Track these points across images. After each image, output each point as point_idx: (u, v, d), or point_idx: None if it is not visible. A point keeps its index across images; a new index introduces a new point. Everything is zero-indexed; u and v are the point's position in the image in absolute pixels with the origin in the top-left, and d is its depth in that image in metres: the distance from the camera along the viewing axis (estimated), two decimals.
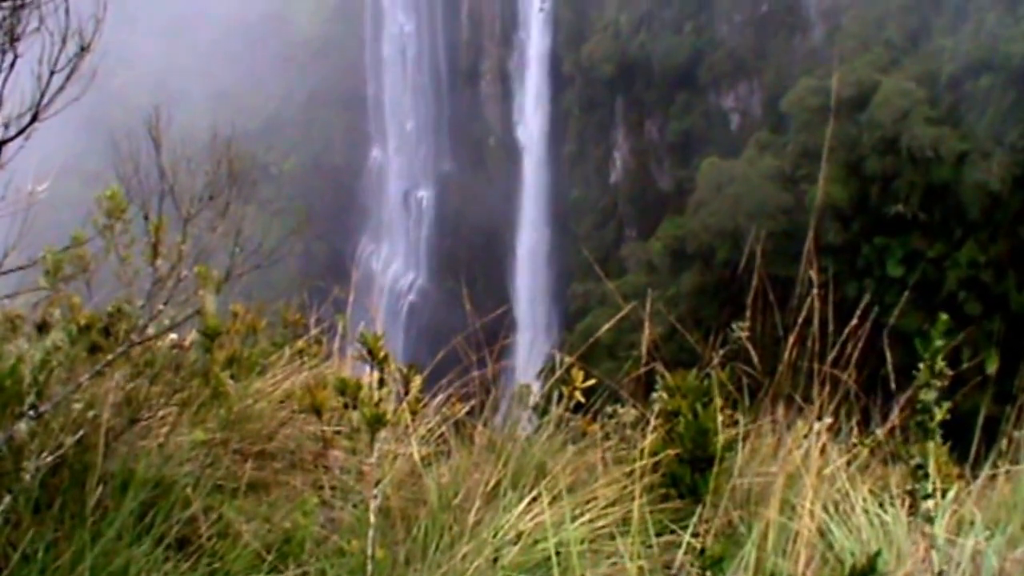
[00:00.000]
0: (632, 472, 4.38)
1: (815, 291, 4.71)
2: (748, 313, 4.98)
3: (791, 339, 4.70)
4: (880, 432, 4.80)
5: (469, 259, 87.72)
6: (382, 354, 4.27)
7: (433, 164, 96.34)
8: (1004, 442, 4.73)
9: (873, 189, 60.19)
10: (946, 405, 3.99)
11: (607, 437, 4.93)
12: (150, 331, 4.28)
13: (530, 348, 65.30)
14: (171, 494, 4.12)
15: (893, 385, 4.65)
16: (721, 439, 4.46)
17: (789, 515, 4.05)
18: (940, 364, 3.96)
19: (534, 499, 4.23)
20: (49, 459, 3.90)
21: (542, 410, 4.99)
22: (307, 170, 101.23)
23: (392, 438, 4.48)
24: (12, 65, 3.33)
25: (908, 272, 57.78)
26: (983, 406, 4.76)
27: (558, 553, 3.94)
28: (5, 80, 3.31)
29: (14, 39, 3.18)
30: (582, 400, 4.94)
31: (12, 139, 3.48)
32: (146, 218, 4.10)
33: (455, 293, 79.34)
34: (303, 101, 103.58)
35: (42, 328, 4.91)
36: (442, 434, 5.00)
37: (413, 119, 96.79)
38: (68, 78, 3.39)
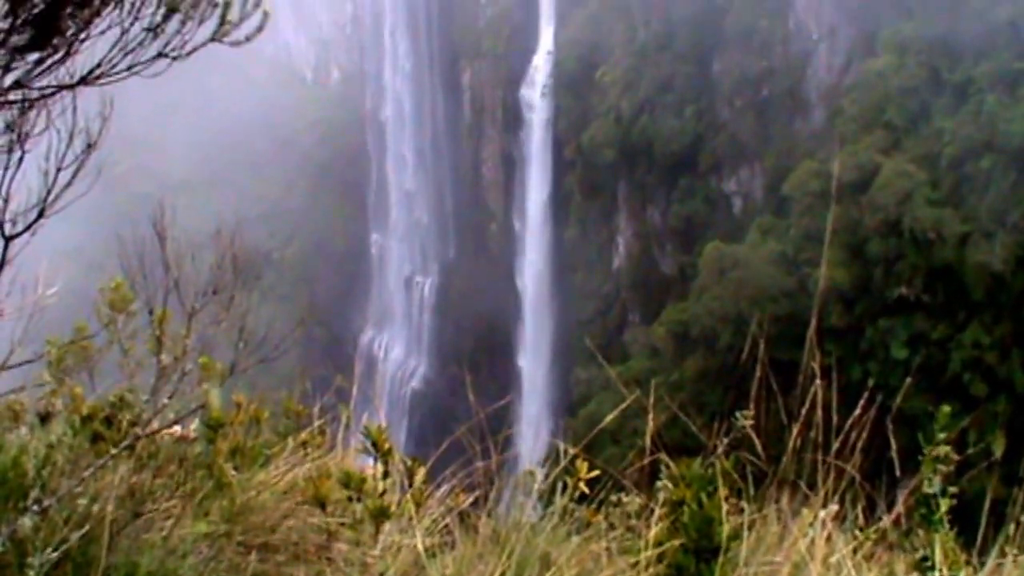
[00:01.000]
0: (637, 563, 4.35)
1: (818, 381, 4.70)
2: (752, 400, 4.98)
3: (796, 428, 4.69)
4: (886, 519, 4.77)
5: (471, 345, 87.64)
6: (386, 447, 4.27)
7: (435, 250, 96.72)
8: (1012, 527, 4.70)
9: (876, 271, 60.26)
10: (951, 491, 3.97)
11: (612, 527, 4.90)
12: (154, 425, 4.29)
13: (535, 435, 65.06)
14: None
15: (898, 472, 4.63)
16: (726, 528, 4.43)
17: None
18: (945, 450, 3.95)
19: None
20: (54, 555, 3.87)
21: (547, 500, 4.97)
22: (309, 255, 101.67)
23: (396, 529, 4.46)
24: (20, 162, 3.38)
25: (912, 354, 57.62)
26: (990, 489, 4.73)
27: None
28: (12, 177, 3.36)
29: (22, 139, 3.23)
30: (586, 491, 4.92)
31: (19, 235, 3.51)
32: (151, 313, 4.13)
33: (458, 380, 79.25)
34: (305, 187, 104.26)
35: (44, 419, 4.91)
36: (446, 525, 4.98)
37: (415, 204, 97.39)
38: (75, 175, 3.43)
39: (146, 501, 4.42)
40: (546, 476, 5.20)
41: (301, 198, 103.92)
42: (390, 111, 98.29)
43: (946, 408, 3.88)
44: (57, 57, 2.94)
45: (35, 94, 2.95)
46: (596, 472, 4.94)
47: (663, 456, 4.88)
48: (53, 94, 3.04)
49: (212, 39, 3.16)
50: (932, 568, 3.85)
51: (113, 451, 4.28)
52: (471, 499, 5.21)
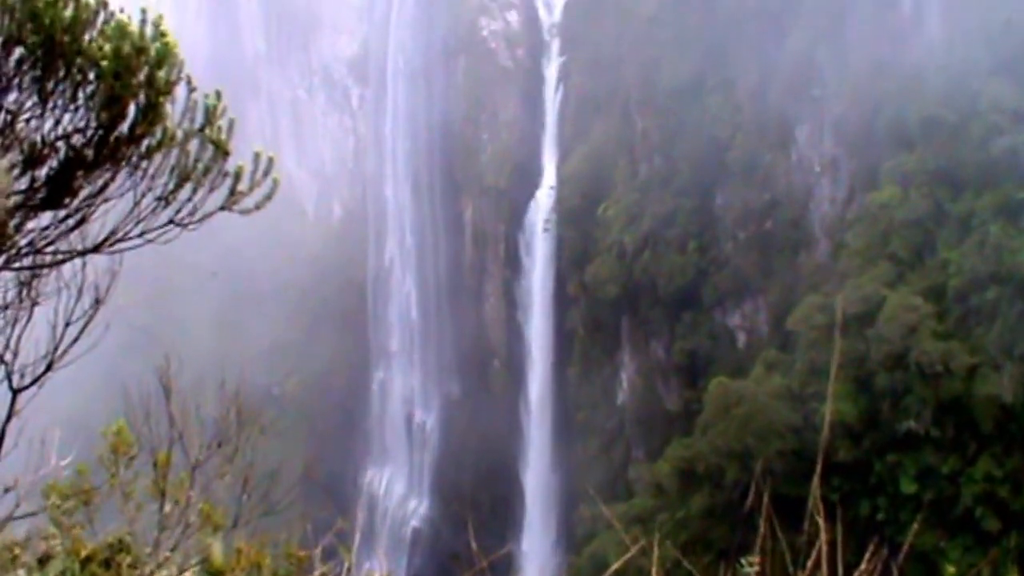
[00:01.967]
0: None
1: (822, 525, 4.68)
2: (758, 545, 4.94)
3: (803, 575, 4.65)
4: None
5: (473, 484, 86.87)
6: None
7: (436, 387, 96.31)
8: None
9: (883, 405, 59.86)
10: None
11: None
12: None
13: (539, 574, 64.11)
14: None
15: None
16: None
17: None
18: None
19: None
20: None
21: None
22: (309, 391, 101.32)
23: None
24: (29, 318, 3.42)
25: (922, 489, 56.97)
26: None
27: None
28: (21, 334, 3.39)
29: (33, 301, 3.27)
30: None
31: (27, 388, 3.54)
32: (155, 466, 4.13)
33: (459, 519, 78.31)
34: (305, 321, 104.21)
35: (43, 561, 4.87)
36: None
37: (416, 341, 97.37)
38: (83, 329, 3.47)
39: None
40: None
41: (301, 332, 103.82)
42: (391, 248, 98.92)
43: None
44: (72, 223, 3.01)
45: (48, 259, 3.01)
46: None
47: None
48: (66, 261, 3.10)
49: (222, 208, 3.22)
50: None
51: None
52: None
